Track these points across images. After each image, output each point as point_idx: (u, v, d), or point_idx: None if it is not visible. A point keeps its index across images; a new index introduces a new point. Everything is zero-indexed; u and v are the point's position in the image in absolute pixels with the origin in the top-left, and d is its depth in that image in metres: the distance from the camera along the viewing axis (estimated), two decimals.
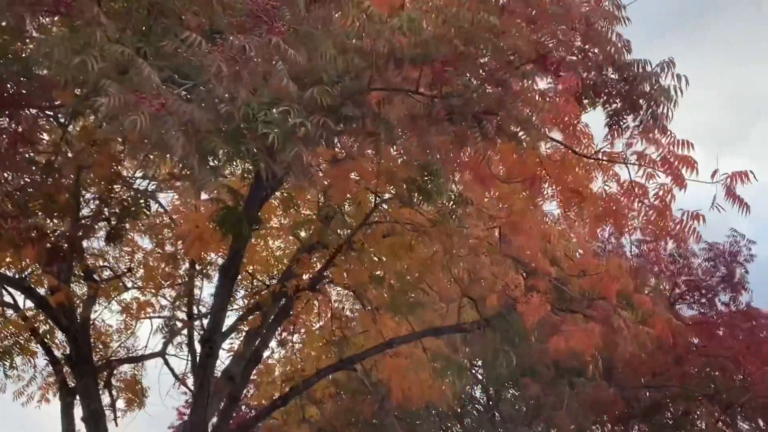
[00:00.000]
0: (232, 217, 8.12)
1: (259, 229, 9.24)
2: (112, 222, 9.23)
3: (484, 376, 19.47)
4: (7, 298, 13.09)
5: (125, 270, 13.20)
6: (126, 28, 6.30)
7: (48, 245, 8.25)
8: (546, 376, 17.55)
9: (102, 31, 5.45)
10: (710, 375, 17.84)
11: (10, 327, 13.01)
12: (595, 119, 8.76)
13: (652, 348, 11.89)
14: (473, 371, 18.87)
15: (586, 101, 8.55)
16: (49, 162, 7.42)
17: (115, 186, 8.74)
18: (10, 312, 13.20)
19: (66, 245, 8.82)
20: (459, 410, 18.95)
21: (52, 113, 7.50)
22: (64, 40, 5.61)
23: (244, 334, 11.19)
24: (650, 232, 10.74)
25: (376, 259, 10.66)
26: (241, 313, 12.01)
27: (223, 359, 11.51)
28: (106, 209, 9.10)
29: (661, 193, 8.45)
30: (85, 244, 12.57)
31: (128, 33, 6.31)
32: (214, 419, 10.73)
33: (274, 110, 5.94)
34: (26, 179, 7.13)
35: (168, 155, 5.75)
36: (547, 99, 7.94)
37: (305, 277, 10.31)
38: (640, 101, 8.17)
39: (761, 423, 18.37)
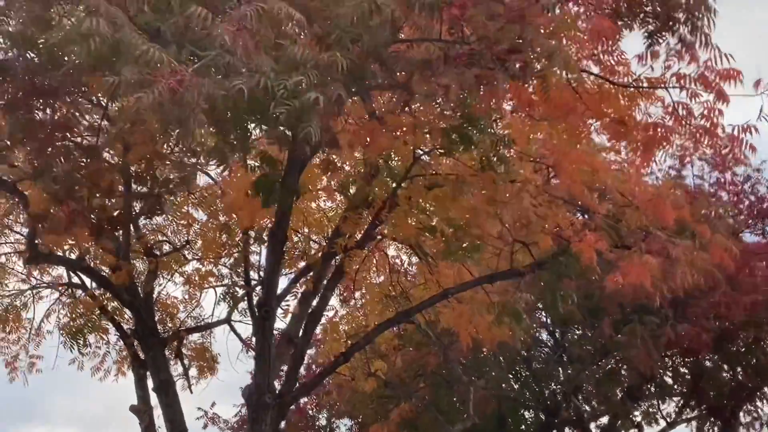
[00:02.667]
0: (268, 184, 8.22)
1: (299, 193, 9.27)
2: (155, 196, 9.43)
3: (549, 318, 19.41)
4: (75, 280, 13.66)
5: (184, 243, 13.51)
6: (143, 9, 6.37)
7: (97, 223, 8.51)
8: (614, 314, 17.41)
9: (103, 17, 5.50)
10: None
11: (80, 307, 13.55)
12: (629, 47, 8.53)
13: (717, 277, 11.56)
14: (537, 314, 18.82)
15: (620, 23, 8.31)
16: (91, 145, 7.63)
17: (155, 162, 8.93)
18: (79, 292, 13.77)
19: (115, 222, 9.10)
20: (525, 354, 18.94)
21: (89, 98, 7.67)
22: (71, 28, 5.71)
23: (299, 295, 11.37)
24: (705, 156, 10.44)
25: (423, 211, 10.62)
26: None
27: (286, 321, 11.75)
28: (147, 185, 9.30)
29: (706, 111, 8.20)
30: (143, 221, 13.02)
31: (147, 12, 6.39)
32: (280, 381, 11.02)
33: (291, 82, 5.93)
34: (70, 163, 7.35)
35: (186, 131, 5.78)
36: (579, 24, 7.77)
37: (355, 235, 10.37)
38: (678, 14, 7.89)
39: None
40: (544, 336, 20.62)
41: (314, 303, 10.96)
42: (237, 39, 5.59)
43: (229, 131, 6.64)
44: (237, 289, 12.62)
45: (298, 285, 11.98)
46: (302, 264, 12.51)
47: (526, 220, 10.83)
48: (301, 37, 6.58)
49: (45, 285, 14.57)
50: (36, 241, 9.32)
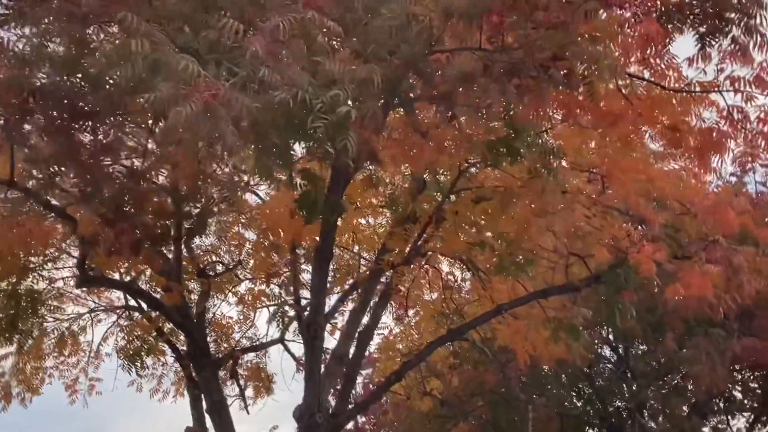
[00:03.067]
0: (311, 201, 8.14)
1: (343, 209, 9.17)
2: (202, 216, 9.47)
3: (611, 334, 18.89)
4: (132, 303, 13.81)
5: (236, 263, 13.56)
6: (182, 28, 6.39)
7: (145, 244, 8.56)
8: (677, 328, 16.83)
9: (142, 38, 5.51)
10: None
11: (137, 329, 13.70)
12: (679, 50, 8.23)
13: None
14: (599, 329, 18.33)
15: (669, 27, 8.03)
16: (136, 167, 7.68)
17: (200, 182, 8.96)
18: (136, 315, 13.93)
19: (163, 241, 9.15)
20: (587, 370, 18.45)
21: (133, 120, 7.73)
22: (113, 50, 5.75)
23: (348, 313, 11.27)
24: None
25: (472, 225, 10.41)
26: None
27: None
28: (194, 205, 9.34)
29: (763, 115, 7.84)
30: (195, 242, 13.12)
31: (186, 31, 6.41)
32: (334, 400, 10.88)
33: (328, 95, 5.84)
34: (117, 186, 7.41)
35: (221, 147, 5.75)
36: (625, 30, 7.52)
37: (400, 251, 10.23)
38: (730, 15, 7.57)
39: None
40: (607, 352, 20.10)
41: (364, 321, 10.82)
42: (270, 52, 5.52)
43: (270, 147, 6.58)
44: (287, 308, 12.58)
45: (347, 303, 11.88)
46: (345, 281, 12.39)
47: (580, 232, 10.57)
48: (337, 48, 6.49)
49: (102, 308, 14.77)
50: (87, 265, 9.44)
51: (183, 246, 12.21)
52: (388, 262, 9.77)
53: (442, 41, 7.21)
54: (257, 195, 11.81)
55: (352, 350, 10.66)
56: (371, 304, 11.78)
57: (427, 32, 6.82)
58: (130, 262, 9.79)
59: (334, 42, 6.39)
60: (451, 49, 6.92)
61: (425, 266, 13.82)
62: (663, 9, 8.02)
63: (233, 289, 14.30)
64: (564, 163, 10.02)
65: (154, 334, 13.35)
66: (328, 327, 11.28)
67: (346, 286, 12.55)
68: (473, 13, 6.56)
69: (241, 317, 14.80)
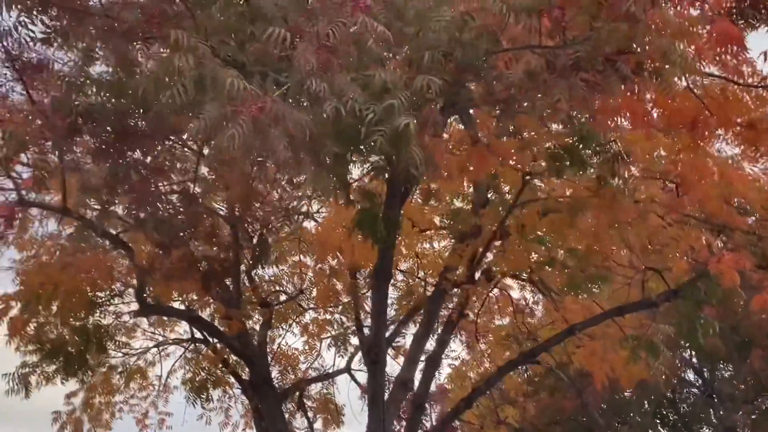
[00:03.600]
0: (369, 219, 7.83)
1: (399, 227, 8.83)
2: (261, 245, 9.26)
3: (694, 356, 17.95)
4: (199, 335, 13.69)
5: (298, 292, 13.33)
6: (226, 41, 6.22)
7: (205, 273, 8.36)
8: (764, 346, 15.87)
9: (187, 53, 5.34)
10: None
11: (203, 362, 13.58)
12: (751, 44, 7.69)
13: None
14: (681, 351, 17.43)
15: (742, 23, 7.52)
16: (187, 190, 7.51)
17: (254, 204, 8.76)
18: (202, 347, 13.81)
19: (224, 271, 8.94)
20: (671, 395, 17.53)
21: (183, 141, 7.61)
22: (158, 68, 5.59)
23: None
24: None
25: (539, 240, 9.92)
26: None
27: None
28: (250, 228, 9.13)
29: None
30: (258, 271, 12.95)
31: (231, 44, 6.24)
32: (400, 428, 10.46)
33: (381, 105, 5.54)
34: (168, 210, 7.26)
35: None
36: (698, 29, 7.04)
37: (464, 270, 9.81)
38: None
39: None
40: (691, 376, 19.12)
41: (430, 345, 10.41)
42: (320, 60, 5.26)
43: (324, 161, 6.31)
44: (350, 335, 12.25)
45: (409, 326, 11.47)
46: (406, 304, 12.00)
47: (656, 244, 9.99)
48: (389, 55, 6.21)
49: (170, 342, 14.72)
50: (145, 294, 9.31)
51: (244, 275, 12.10)
52: (450, 281, 9.33)
53: (500, 43, 6.86)
54: (314, 219, 11.59)
55: (417, 376, 10.27)
56: (437, 328, 11.40)
57: (485, 34, 6.47)
58: (185, 290, 9.58)
59: (385, 49, 6.07)
60: (512, 48, 6.54)
61: (494, 291, 13.42)
62: (735, 5, 7.55)
63: (297, 319, 14.07)
64: (635, 171, 9.53)
65: (221, 366, 13.19)
66: (392, 352, 10.85)
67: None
68: (533, 8, 6.20)
69: (307, 347, 14.58)
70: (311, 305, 13.56)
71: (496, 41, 6.58)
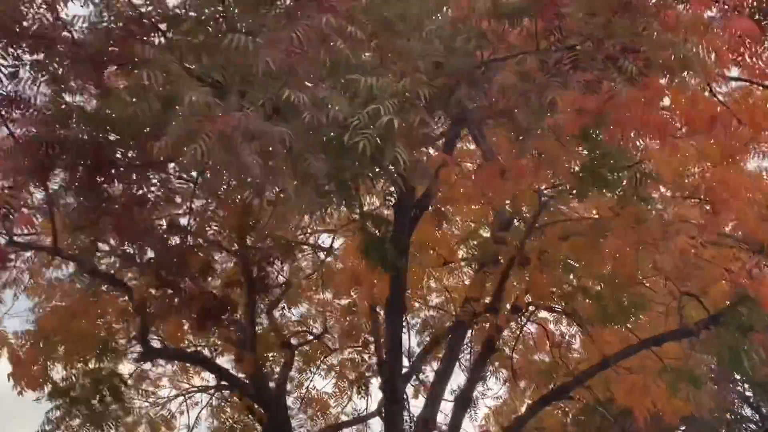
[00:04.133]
0: (376, 246, 7.36)
1: (408, 254, 8.32)
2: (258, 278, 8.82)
3: (749, 389, 16.85)
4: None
5: (321, 333, 12.84)
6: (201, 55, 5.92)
7: (203, 310, 7.96)
8: None
9: (154, 70, 5.06)
10: None
11: (227, 410, 13.14)
12: None
13: None
14: (733, 385, 16.39)
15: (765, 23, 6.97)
16: (173, 223, 7.14)
17: (250, 235, 8.36)
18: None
19: (222, 308, 8.52)
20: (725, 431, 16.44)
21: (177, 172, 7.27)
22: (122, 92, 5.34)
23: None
24: None
25: (562, 266, 9.29)
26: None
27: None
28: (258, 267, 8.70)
29: None
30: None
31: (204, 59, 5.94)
32: None
33: (365, 111, 5.14)
34: (156, 245, 6.91)
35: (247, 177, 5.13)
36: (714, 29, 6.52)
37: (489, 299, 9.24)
38: None
39: None
40: (748, 411, 17.94)
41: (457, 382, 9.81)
42: (285, 65, 4.90)
43: (308, 176, 5.89)
44: (371, 375, 11.65)
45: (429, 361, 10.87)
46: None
47: (689, 267, 9.30)
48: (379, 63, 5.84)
49: (196, 389, 14.32)
50: (149, 336, 8.94)
51: (265, 314, 11.72)
52: (468, 312, 8.76)
53: (497, 49, 6.42)
54: (321, 248, 11.12)
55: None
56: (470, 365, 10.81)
57: (477, 39, 6.05)
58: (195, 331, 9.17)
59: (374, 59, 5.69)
60: (505, 57, 6.10)
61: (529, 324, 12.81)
62: (756, 4, 7.02)
63: (324, 360, 13.56)
64: (663, 189, 8.93)
65: (247, 413, 12.74)
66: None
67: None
68: (525, 8, 5.78)
69: (336, 390, 14.02)
70: (336, 345, 13.04)
71: (490, 46, 6.17)
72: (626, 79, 5.73)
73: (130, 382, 12.93)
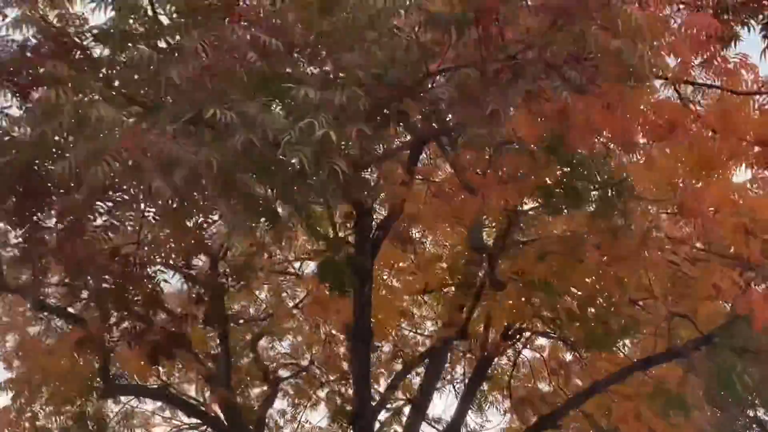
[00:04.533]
0: (333, 269, 7.03)
1: (371, 278, 7.95)
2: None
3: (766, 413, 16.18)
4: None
5: (308, 364, 12.47)
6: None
7: (158, 345, 7.63)
8: None
9: (66, 89, 4.83)
10: None
11: None
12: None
13: None
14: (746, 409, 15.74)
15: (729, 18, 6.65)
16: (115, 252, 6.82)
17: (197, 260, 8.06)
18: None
19: (177, 342, 8.17)
20: None
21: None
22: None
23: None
24: None
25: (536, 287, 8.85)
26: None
27: None
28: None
29: None
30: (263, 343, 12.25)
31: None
32: None
33: (299, 125, 4.86)
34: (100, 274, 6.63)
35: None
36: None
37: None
38: None
39: None
40: None
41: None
42: (193, 78, 4.65)
43: (244, 199, 5.59)
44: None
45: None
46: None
47: (679, 285, 8.90)
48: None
49: (185, 426, 13.97)
50: (110, 372, 8.62)
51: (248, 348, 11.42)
52: (438, 339, 8.37)
53: (446, 60, 6.12)
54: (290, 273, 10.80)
55: None
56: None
57: (417, 50, 5.76)
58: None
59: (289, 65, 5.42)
60: (445, 69, 5.79)
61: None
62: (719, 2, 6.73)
63: (315, 393, 13.16)
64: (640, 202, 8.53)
65: None
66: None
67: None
68: (461, 19, 5.49)
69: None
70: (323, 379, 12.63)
71: (433, 58, 5.88)
72: (574, 89, 5.42)
73: (116, 420, 12.69)
